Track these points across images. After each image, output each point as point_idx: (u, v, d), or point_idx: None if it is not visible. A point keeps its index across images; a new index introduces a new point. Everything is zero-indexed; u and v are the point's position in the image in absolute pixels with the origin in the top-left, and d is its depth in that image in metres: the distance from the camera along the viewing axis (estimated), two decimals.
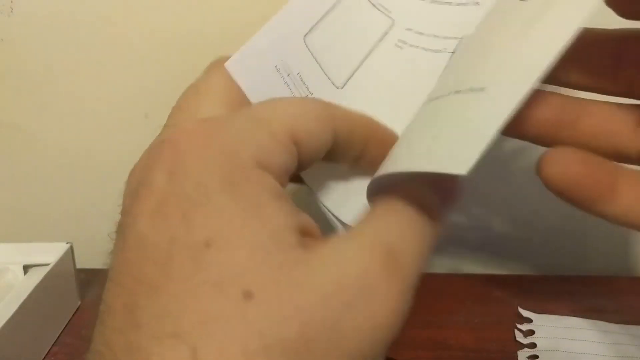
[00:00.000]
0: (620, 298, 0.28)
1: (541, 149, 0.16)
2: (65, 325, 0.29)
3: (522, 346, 0.27)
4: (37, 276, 0.28)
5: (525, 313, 0.28)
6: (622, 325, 0.27)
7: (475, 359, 0.26)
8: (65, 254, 0.30)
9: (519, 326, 0.28)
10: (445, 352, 0.27)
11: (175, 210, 0.13)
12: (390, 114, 0.18)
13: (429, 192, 0.15)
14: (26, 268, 0.29)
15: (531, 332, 0.27)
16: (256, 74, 0.18)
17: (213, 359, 0.11)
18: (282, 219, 0.13)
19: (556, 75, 0.16)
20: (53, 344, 0.28)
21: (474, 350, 0.27)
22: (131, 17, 0.32)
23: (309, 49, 0.19)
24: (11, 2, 0.33)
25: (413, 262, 0.14)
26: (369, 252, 0.13)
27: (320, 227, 0.15)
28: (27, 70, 0.34)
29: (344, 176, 0.19)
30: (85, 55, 0.33)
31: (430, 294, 0.29)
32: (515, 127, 0.15)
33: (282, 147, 0.15)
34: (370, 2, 0.20)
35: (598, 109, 0.16)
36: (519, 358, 0.26)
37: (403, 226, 0.14)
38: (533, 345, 0.26)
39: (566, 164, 0.15)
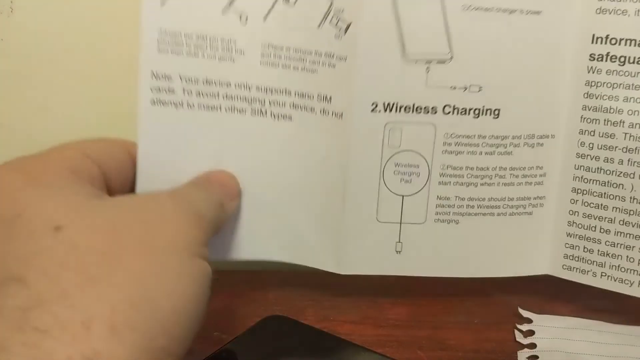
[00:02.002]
0: (620, 298, 0.28)
1: None
2: None
3: (522, 346, 0.27)
4: None
5: (525, 313, 0.29)
6: (622, 325, 0.28)
7: (475, 359, 0.27)
8: None
9: (519, 326, 0.28)
10: (445, 352, 0.28)
11: None
12: None
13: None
14: None
15: (531, 333, 0.28)
16: None
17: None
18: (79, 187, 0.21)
19: None
20: None
21: (474, 351, 0.28)
22: (133, 16, 0.31)
23: None
24: (11, 2, 0.34)
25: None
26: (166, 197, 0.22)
27: None
28: (27, 70, 0.35)
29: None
30: (85, 55, 0.34)
31: (430, 294, 0.31)
32: None
33: (88, 161, 0.22)
34: None
35: None
36: (519, 358, 0.27)
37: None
38: (533, 346, 0.27)
39: None
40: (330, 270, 0.28)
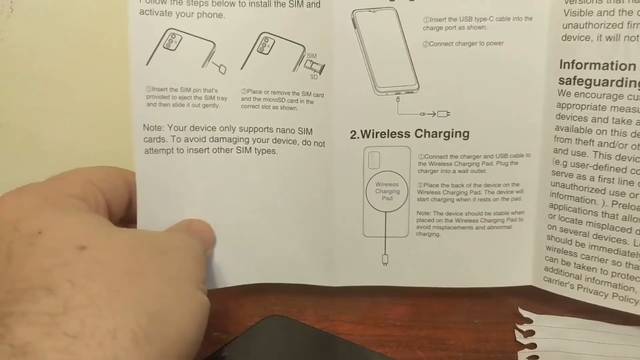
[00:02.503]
0: None
1: None
2: None
3: (522, 346, 0.28)
4: None
5: (525, 313, 0.30)
6: (623, 325, 0.29)
7: (475, 359, 0.28)
8: None
9: (519, 326, 0.29)
10: (445, 352, 0.28)
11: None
12: None
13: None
14: None
15: (531, 333, 0.29)
16: None
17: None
18: (88, 215, 0.23)
19: None
20: None
21: (474, 351, 0.28)
22: None
23: None
24: (11, 2, 0.35)
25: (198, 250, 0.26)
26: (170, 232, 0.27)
27: None
28: (27, 70, 0.36)
29: None
30: (85, 55, 0.36)
31: (430, 294, 0.31)
32: None
33: (94, 189, 0.25)
34: None
35: None
36: (519, 358, 0.28)
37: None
38: (533, 346, 0.28)
39: None
40: (323, 285, 0.31)
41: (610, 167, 0.28)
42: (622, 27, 0.27)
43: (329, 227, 0.31)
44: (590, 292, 0.29)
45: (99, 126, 0.38)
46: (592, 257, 0.29)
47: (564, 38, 0.28)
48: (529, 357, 0.28)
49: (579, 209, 0.29)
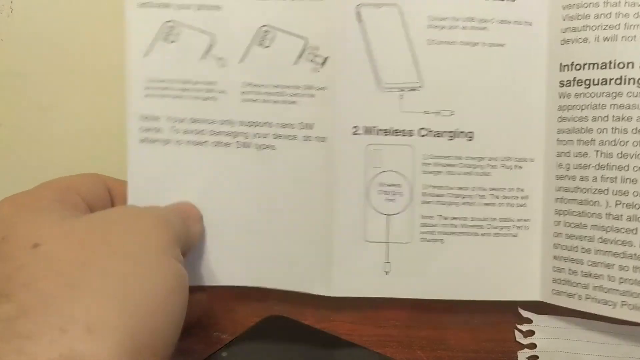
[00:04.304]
0: None
1: None
2: None
3: (522, 346, 0.30)
4: None
5: (525, 313, 0.31)
6: (623, 325, 0.29)
7: (475, 359, 0.30)
8: None
9: (519, 327, 0.31)
10: (445, 352, 0.30)
11: None
12: None
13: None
14: None
15: (531, 333, 0.30)
16: None
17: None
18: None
19: None
20: None
21: (473, 351, 0.30)
22: None
23: None
24: (11, 2, 0.37)
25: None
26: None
27: None
28: (27, 70, 0.38)
29: None
30: (85, 55, 0.37)
31: None
32: None
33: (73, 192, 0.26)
34: None
35: None
36: (519, 358, 0.29)
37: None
38: (533, 346, 0.29)
39: None
40: (320, 294, 0.31)
41: (612, 165, 0.29)
42: (619, 29, 0.29)
43: (328, 228, 0.31)
44: (599, 302, 0.30)
45: (99, 126, 0.39)
46: (599, 263, 0.30)
47: (562, 42, 0.30)
48: (528, 357, 0.29)
49: (583, 212, 0.30)
